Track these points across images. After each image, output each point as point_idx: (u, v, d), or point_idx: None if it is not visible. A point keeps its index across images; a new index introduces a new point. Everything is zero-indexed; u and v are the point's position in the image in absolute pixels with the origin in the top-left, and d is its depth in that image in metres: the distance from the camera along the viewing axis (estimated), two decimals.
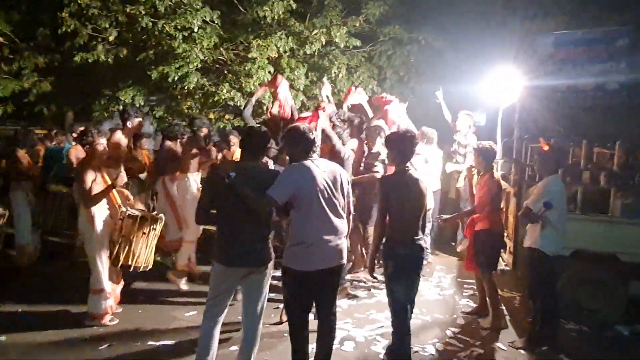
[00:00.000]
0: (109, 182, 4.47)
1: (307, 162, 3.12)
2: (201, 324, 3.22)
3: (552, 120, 6.28)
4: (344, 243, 3.21)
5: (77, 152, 5.90)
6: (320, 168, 3.14)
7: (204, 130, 5.68)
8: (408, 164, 3.46)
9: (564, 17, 8.76)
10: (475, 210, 4.57)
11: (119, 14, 7.66)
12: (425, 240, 3.58)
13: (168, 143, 5.71)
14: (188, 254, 5.45)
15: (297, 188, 3.04)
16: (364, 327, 4.44)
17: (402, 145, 3.44)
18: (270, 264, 3.23)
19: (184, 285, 5.29)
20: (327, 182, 3.10)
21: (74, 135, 7.13)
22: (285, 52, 7.96)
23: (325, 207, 3.08)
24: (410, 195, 3.37)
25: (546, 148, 4.78)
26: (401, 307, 3.39)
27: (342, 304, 4.91)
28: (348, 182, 3.32)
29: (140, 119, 5.28)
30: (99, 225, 4.28)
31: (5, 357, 3.69)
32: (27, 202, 5.72)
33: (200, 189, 3.90)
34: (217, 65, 8.31)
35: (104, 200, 4.30)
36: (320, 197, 3.06)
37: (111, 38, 7.76)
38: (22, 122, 10.65)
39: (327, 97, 5.78)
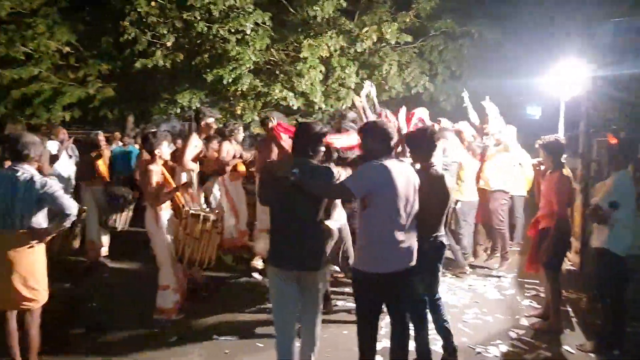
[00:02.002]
0: (173, 183, 4.69)
1: (387, 162, 3.05)
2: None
3: (619, 111, 5.96)
4: (415, 245, 3.16)
5: (146, 156, 6.19)
6: (398, 169, 3.08)
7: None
8: (432, 160, 3.51)
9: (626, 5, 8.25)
10: (541, 208, 4.40)
11: (176, 20, 7.98)
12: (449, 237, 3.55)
13: (226, 145, 5.85)
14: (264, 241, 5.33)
15: (375, 186, 2.97)
16: None
17: (422, 142, 3.52)
18: (324, 268, 3.17)
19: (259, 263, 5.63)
20: (403, 184, 3.06)
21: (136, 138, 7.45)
22: (335, 50, 8.00)
23: (401, 209, 3.02)
24: (434, 191, 3.38)
25: (614, 142, 4.54)
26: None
27: None
28: (417, 186, 3.26)
29: (212, 119, 5.35)
30: (164, 224, 4.49)
31: (81, 349, 3.94)
32: (95, 201, 6.06)
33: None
34: (269, 66, 8.48)
35: (169, 201, 4.50)
36: (397, 199, 3.01)
37: (169, 44, 8.09)
38: (87, 126, 11.30)
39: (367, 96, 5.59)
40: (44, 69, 8.93)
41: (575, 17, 8.36)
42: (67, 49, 9.31)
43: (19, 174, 3.32)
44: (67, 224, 3.47)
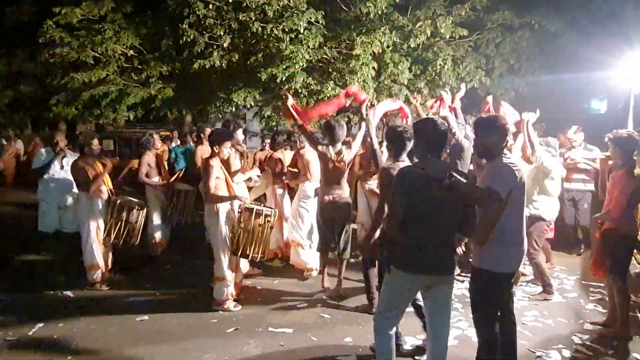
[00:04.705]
0: (230, 181, 4.85)
1: (508, 158, 3.03)
2: (375, 339, 3.12)
3: None
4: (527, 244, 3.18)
5: (202, 152, 6.44)
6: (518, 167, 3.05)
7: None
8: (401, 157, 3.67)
9: None
10: (605, 206, 4.17)
11: (232, 22, 8.21)
12: None
13: (276, 154, 5.92)
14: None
15: (512, 185, 2.93)
16: None
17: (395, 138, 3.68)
18: (454, 274, 3.09)
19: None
20: (523, 182, 3.05)
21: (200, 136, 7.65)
22: (388, 47, 7.92)
23: (522, 206, 3.05)
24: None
25: None
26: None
27: (457, 305, 4.68)
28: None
29: (240, 129, 5.75)
30: (222, 218, 4.66)
31: (142, 337, 4.16)
32: (157, 198, 6.35)
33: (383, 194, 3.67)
34: (321, 64, 8.52)
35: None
36: (522, 197, 3.03)
37: (225, 44, 8.33)
38: (148, 125, 11.86)
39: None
40: (111, 71, 9.46)
41: None
42: (131, 52, 9.79)
43: None
44: None
